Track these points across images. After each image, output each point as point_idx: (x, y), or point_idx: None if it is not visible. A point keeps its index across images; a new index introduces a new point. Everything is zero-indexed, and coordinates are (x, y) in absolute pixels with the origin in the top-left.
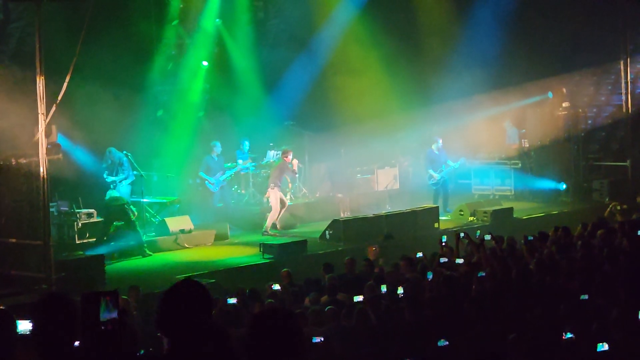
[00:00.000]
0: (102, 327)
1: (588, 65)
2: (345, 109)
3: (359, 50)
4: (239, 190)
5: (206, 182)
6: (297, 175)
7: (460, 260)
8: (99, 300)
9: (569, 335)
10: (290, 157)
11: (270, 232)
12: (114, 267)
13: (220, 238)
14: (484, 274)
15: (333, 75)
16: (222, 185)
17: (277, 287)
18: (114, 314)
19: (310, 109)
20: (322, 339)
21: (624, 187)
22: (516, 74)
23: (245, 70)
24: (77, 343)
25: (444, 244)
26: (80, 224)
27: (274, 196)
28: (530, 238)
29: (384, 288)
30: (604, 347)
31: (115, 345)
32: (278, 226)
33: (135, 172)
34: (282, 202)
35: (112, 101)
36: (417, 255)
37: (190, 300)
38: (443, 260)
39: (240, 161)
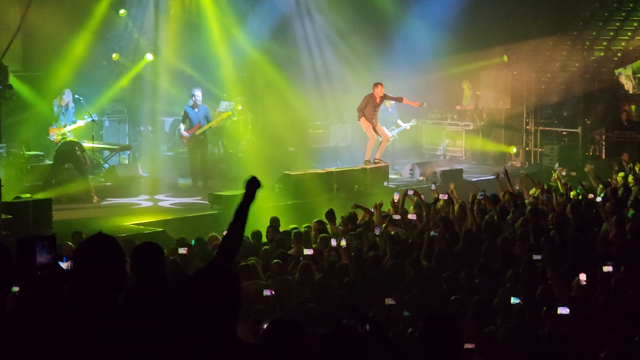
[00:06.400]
0: (39, 272)
1: (546, 31)
2: (300, 64)
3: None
4: None
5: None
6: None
7: (412, 217)
8: (34, 245)
9: (516, 300)
10: (378, 89)
11: (371, 162)
12: (61, 212)
13: (169, 187)
14: (436, 234)
15: (290, 28)
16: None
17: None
18: (49, 259)
19: (266, 61)
20: (273, 292)
21: (574, 153)
22: (474, 38)
23: (204, 17)
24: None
25: (395, 201)
26: (29, 166)
27: (363, 126)
28: (481, 196)
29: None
30: (564, 310)
31: (52, 290)
32: (378, 156)
33: (86, 117)
34: (379, 133)
35: (65, 43)
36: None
37: (100, 255)
38: (396, 217)
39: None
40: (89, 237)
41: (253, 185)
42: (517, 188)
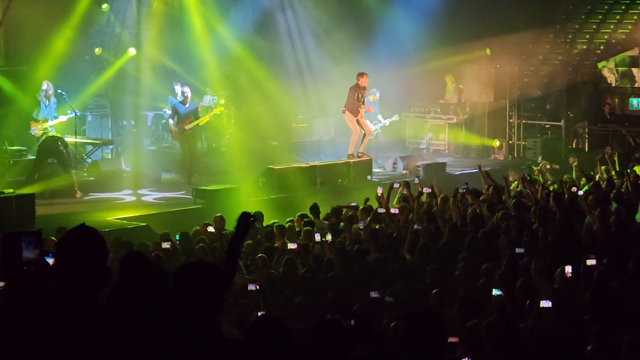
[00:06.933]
0: (25, 268)
1: (529, 24)
2: (283, 57)
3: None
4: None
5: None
6: (369, 102)
7: (395, 211)
8: (20, 240)
9: (498, 291)
10: (363, 79)
11: (355, 156)
12: (44, 207)
13: (152, 182)
14: (419, 227)
15: (273, 21)
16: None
17: (212, 229)
18: (36, 254)
19: (249, 55)
20: (257, 287)
21: (557, 146)
22: (457, 31)
23: (186, 11)
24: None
25: (379, 195)
26: (12, 161)
27: (347, 120)
28: (463, 190)
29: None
30: (547, 303)
31: (39, 285)
32: (361, 150)
33: (69, 112)
34: (362, 127)
35: (48, 37)
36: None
37: (82, 247)
38: (380, 211)
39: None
40: (71, 229)
41: (245, 220)
42: (510, 179)
